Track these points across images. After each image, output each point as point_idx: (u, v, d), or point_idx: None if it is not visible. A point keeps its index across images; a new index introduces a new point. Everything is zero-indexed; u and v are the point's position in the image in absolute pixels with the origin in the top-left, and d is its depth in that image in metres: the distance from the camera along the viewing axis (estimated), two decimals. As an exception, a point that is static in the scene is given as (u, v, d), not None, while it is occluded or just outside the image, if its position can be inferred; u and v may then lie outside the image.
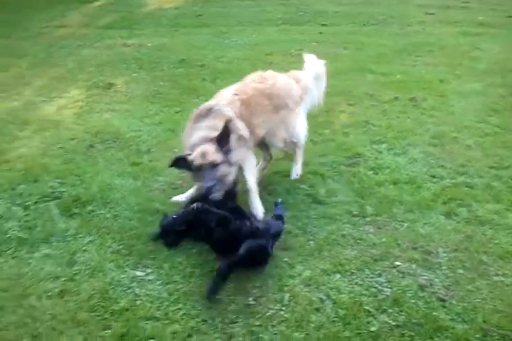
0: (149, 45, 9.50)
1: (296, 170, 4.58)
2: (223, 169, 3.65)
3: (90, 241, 3.69)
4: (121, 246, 3.64)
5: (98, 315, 3.01)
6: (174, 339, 2.85)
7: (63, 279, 3.31)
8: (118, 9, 12.59)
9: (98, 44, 9.68)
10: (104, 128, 5.65)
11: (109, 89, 7.03)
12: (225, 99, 4.02)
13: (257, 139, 4.19)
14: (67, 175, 4.56)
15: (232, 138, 3.75)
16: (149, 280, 3.32)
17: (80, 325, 2.93)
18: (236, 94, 4.08)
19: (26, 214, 4.01)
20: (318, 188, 4.38)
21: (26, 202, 4.17)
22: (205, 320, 2.99)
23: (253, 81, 4.30)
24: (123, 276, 3.34)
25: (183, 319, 2.98)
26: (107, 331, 2.89)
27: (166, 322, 2.98)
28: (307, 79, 4.66)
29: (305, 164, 4.72)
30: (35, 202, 4.16)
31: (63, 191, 4.31)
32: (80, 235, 3.75)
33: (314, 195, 4.28)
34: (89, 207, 4.09)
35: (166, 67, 8.07)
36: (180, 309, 3.07)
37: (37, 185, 4.41)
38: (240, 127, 3.92)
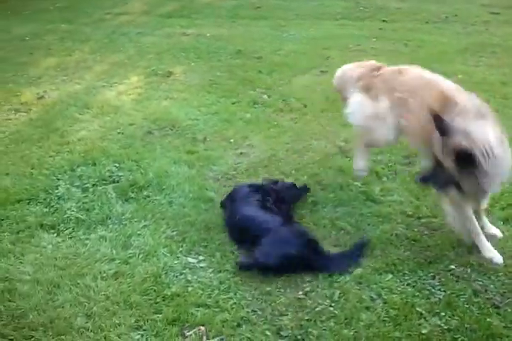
0: (208, 35, 9.56)
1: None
2: None
3: (145, 225, 3.77)
4: (174, 233, 3.70)
5: (150, 299, 3.07)
6: (224, 328, 2.87)
7: (118, 261, 3.39)
8: (178, -2, 12.77)
9: (158, 32, 9.84)
10: (162, 115, 5.74)
11: (167, 77, 7.14)
12: None
13: None
14: (124, 160, 4.67)
15: None
16: (201, 267, 3.36)
17: (132, 308, 3.00)
18: None
19: (85, 196, 4.14)
20: (372, 186, 4.31)
21: (85, 184, 4.29)
22: (255, 311, 3.00)
23: None
24: (176, 262, 3.39)
25: (233, 308, 3.00)
26: (158, 315, 2.94)
27: (217, 310, 3.00)
28: None
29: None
30: (93, 185, 4.28)
31: (121, 175, 4.42)
32: (136, 219, 3.83)
33: (368, 192, 4.21)
34: (145, 193, 4.17)
35: (223, 58, 8.11)
36: (230, 298, 3.09)
37: (95, 168, 4.52)
38: None
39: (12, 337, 2.79)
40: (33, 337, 2.80)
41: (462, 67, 7.50)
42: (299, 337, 2.84)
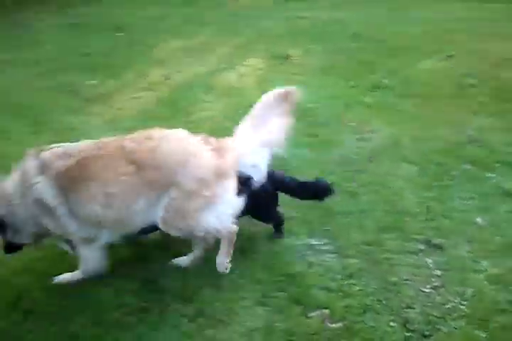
0: (325, 18, 9.41)
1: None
2: None
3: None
4: (297, 214, 3.69)
5: (274, 276, 3.10)
6: (347, 313, 2.83)
7: (243, 237, 3.41)
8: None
9: (276, 15, 9.86)
10: (281, 97, 5.73)
11: (286, 60, 7.13)
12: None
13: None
14: (246, 140, 4.73)
15: None
16: (324, 250, 3.33)
17: (257, 283, 3.05)
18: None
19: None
20: (508, 179, 4.00)
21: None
22: (380, 300, 2.92)
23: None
24: (298, 243, 3.40)
25: (357, 295, 2.94)
26: (282, 293, 2.97)
27: (340, 294, 2.96)
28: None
29: (491, 152, 4.36)
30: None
31: (243, 155, 4.48)
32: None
33: (504, 186, 3.91)
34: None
35: (340, 41, 7.96)
36: (354, 284, 3.04)
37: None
38: None
39: (146, 299, 2.96)
40: (164, 300, 2.95)
41: None
42: (426, 332, 2.71)
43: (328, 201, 3.75)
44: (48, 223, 2.90)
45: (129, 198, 2.81)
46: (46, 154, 2.87)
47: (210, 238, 3.08)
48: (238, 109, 5.48)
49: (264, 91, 5.71)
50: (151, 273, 3.15)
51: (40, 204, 2.83)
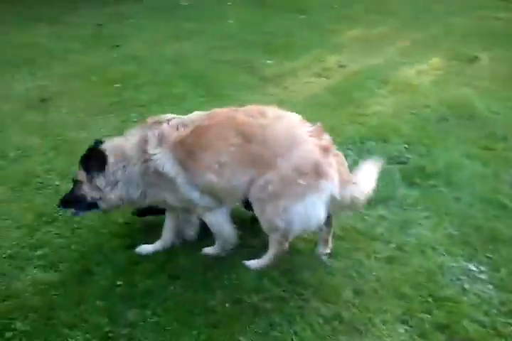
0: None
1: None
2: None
3: (426, 216, 3.55)
4: (457, 232, 3.40)
5: (421, 296, 2.88)
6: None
7: (393, 245, 3.27)
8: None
9: (468, 13, 9.12)
10: (459, 102, 5.31)
11: (471, 63, 6.58)
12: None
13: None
14: (415, 143, 4.47)
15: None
16: (482, 279, 3.02)
17: (400, 298, 2.86)
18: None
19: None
20: None
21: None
22: (540, 350, 2.57)
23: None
24: (454, 264, 3.12)
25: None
26: (427, 315, 2.75)
27: (492, 332, 2.66)
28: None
29: None
30: (380, 162, 4.20)
31: (409, 158, 4.25)
32: (418, 207, 3.65)
33: None
34: (432, 182, 3.93)
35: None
36: (510, 324, 2.71)
37: (385, 145, 4.45)
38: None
39: (285, 288, 2.94)
40: (302, 294, 2.90)
41: None
42: None
43: (495, 225, 3.41)
44: (168, 195, 2.99)
45: (236, 169, 2.83)
46: (165, 126, 2.94)
47: (280, 238, 2.96)
48: (410, 107, 5.24)
49: (441, 93, 5.43)
50: (291, 264, 3.12)
51: (160, 175, 2.92)
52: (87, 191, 3.01)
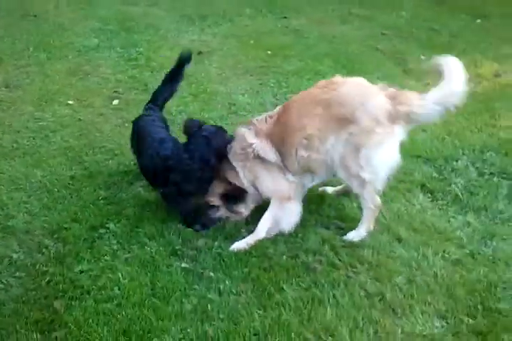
0: None
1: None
2: None
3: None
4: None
5: (472, 301, 2.83)
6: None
7: (466, 251, 3.22)
8: None
9: None
10: None
11: None
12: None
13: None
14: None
15: None
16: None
17: (449, 298, 2.85)
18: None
19: (476, 180, 3.96)
20: None
21: (484, 168, 4.11)
22: None
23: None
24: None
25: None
26: (470, 319, 2.71)
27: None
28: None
29: None
30: (491, 174, 4.06)
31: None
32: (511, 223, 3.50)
33: None
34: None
35: None
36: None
37: (504, 158, 4.25)
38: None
39: (341, 258, 3.12)
40: (355, 267, 3.05)
41: None
42: None
43: None
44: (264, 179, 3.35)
45: (323, 136, 3.12)
46: (255, 121, 3.39)
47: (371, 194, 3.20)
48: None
49: None
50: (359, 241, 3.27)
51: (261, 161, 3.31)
52: (224, 213, 3.48)
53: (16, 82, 5.35)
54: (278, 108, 3.44)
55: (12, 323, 2.60)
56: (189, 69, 5.58)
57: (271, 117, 3.36)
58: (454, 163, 4.18)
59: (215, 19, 7.66)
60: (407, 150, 4.19)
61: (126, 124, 4.38)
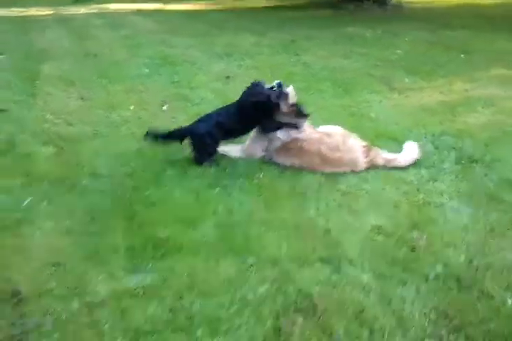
0: None
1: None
2: None
3: None
4: None
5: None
6: None
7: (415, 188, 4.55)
8: None
9: None
10: None
11: None
12: None
13: None
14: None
15: None
16: None
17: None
18: None
19: (433, 152, 5.28)
20: None
21: (439, 147, 5.43)
22: None
23: None
24: None
25: None
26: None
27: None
28: None
29: None
30: (444, 149, 5.35)
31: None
32: None
33: None
34: None
35: None
36: None
37: (457, 140, 5.58)
38: None
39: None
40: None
41: None
42: None
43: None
44: None
45: None
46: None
47: None
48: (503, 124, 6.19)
49: None
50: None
51: None
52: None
53: (87, 95, 7.08)
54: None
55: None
56: (219, 87, 7.27)
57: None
58: (419, 143, 5.55)
59: (239, 56, 9.51)
60: (382, 133, 5.65)
61: (173, 120, 5.99)
